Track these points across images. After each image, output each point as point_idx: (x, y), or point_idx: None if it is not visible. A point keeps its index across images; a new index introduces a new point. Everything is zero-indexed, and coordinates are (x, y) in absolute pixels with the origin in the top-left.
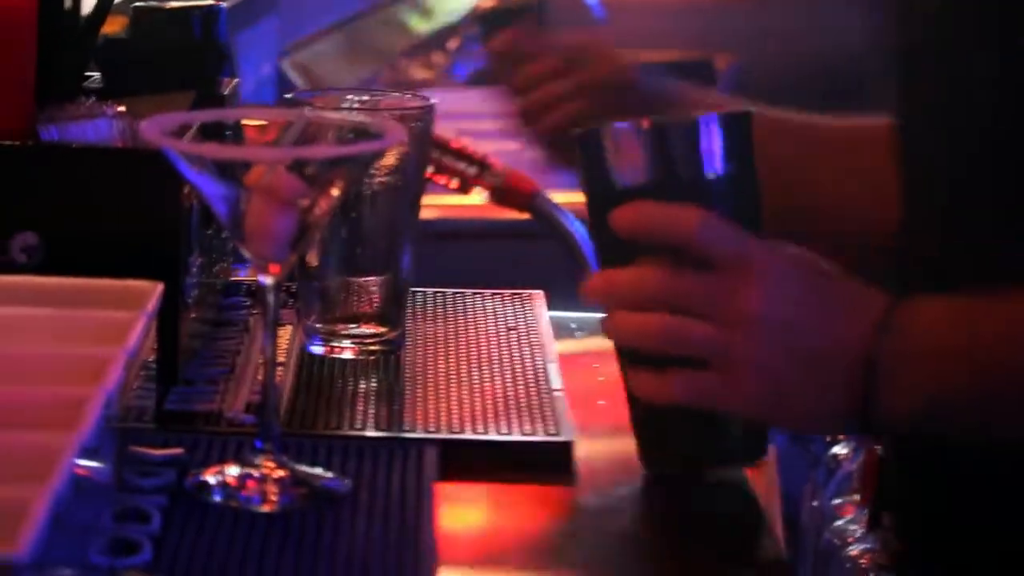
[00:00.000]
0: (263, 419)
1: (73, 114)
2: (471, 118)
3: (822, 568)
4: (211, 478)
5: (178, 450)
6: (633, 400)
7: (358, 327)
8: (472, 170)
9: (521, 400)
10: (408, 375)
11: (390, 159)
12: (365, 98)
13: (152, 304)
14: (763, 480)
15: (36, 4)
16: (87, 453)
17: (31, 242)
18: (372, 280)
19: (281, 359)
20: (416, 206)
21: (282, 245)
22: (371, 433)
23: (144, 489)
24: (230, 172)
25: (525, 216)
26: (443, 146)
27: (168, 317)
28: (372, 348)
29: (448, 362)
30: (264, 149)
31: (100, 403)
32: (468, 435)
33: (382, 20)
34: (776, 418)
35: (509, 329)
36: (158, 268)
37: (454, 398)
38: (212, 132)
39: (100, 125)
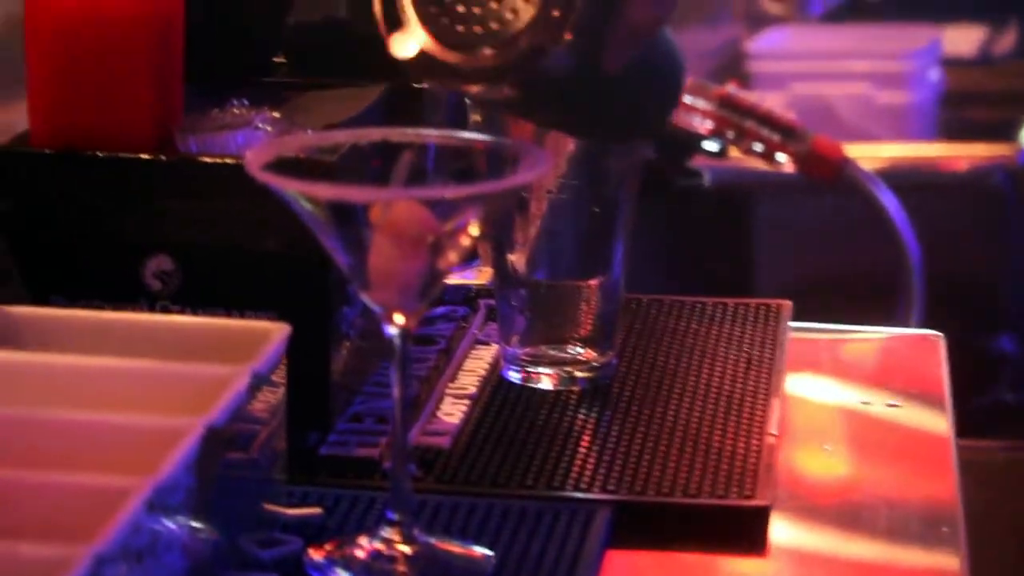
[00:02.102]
0: (393, 484)
1: (217, 123)
2: (823, 59)
3: None
4: (335, 554)
5: (315, 510)
6: None
7: (563, 349)
8: (776, 136)
9: (726, 448)
10: (607, 414)
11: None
12: None
13: (263, 357)
14: None
15: None
16: (122, 556)
17: (166, 267)
18: (580, 291)
19: (472, 389)
20: (629, 206)
21: (411, 292)
22: (540, 492)
23: (262, 563)
24: (345, 211)
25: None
26: (747, 111)
27: (317, 354)
28: (576, 376)
29: (657, 394)
30: (376, 189)
31: (136, 504)
32: (648, 496)
33: None
34: None
35: (739, 352)
36: (308, 297)
37: (648, 448)
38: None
39: (247, 135)
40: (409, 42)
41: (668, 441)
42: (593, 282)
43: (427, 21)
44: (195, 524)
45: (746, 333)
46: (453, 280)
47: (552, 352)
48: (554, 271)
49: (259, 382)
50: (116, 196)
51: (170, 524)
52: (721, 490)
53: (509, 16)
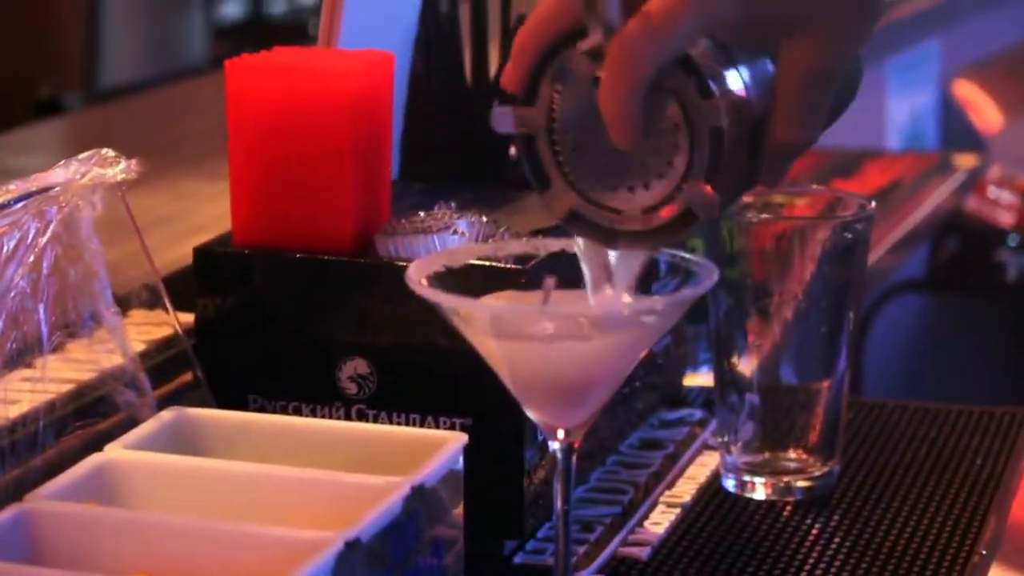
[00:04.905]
0: None
1: (417, 226)
2: None
3: None
4: None
5: None
6: None
7: (784, 457)
8: None
9: (930, 567)
10: (815, 528)
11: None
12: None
13: (426, 470)
14: None
15: (390, 84)
16: None
17: (362, 370)
18: (804, 396)
19: (687, 498)
20: (854, 311)
21: (571, 408)
22: None
23: None
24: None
25: None
26: None
27: (511, 461)
28: (793, 486)
29: (874, 508)
30: (532, 306)
31: None
32: None
33: None
34: None
35: (971, 464)
36: (502, 402)
37: (848, 566)
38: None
39: (443, 239)
40: (557, 202)
41: (872, 559)
42: (820, 386)
43: (571, 182)
44: None
45: (983, 444)
46: (695, 382)
47: (772, 460)
48: (777, 376)
49: (423, 493)
50: (313, 297)
51: None
52: None
53: (655, 179)
